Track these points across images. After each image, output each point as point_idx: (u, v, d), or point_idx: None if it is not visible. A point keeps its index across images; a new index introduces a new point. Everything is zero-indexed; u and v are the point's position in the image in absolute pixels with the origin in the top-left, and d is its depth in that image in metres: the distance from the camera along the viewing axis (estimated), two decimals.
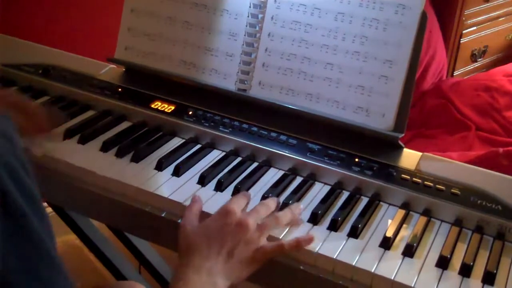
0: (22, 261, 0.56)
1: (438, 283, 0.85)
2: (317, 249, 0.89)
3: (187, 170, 1.06)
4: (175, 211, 0.98)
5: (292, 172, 1.07)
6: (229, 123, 1.14)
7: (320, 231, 0.93)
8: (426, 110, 1.90)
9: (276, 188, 1.01)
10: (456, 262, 0.88)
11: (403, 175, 1.01)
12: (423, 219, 0.96)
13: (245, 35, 1.18)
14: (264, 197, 0.98)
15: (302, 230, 0.92)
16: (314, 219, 0.95)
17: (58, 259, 0.60)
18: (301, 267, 0.89)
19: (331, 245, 0.90)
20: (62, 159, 1.07)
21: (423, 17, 1.05)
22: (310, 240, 0.89)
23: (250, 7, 1.18)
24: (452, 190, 0.98)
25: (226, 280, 0.83)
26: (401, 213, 0.98)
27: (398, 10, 1.06)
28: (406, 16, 1.06)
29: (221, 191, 1.01)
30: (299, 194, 1.00)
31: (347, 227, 0.94)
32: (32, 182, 0.58)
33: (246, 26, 1.18)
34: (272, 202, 0.95)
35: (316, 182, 1.05)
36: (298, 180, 1.05)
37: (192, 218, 0.91)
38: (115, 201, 1.02)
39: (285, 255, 0.89)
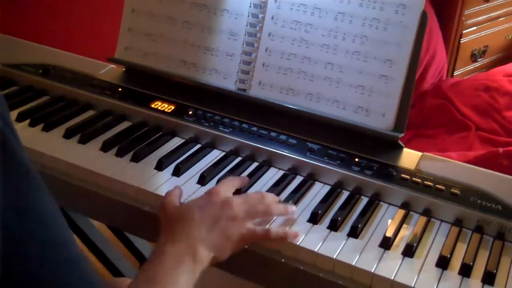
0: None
1: (438, 283, 0.85)
2: (317, 249, 0.89)
3: (187, 170, 1.06)
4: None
5: (292, 172, 1.07)
6: (229, 123, 1.14)
7: (320, 231, 0.93)
8: (426, 110, 1.90)
9: (276, 188, 1.01)
10: (456, 262, 0.88)
11: (403, 175, 1.01)
12: (423, 219, 0.96)
13: (245, 35, 1.18)
14: None
15: (302, 230, 0.92)
16: (314, 219, 0.95)
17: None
18: (301, 267, 0.89)
19: (331, 245, 0.90)
20: (62, 159, 1.07)
21: (423, 17, 1.05)
22: (295, 235, 0.90)
23: (250, 6, 1.18)
24: (452, 190, 0.98)
25: (208, 251, 0.81)
26: (401, 213, 0.98)
27: (398, 10, 1.06)
28: (406, 16, 1.06)
29: None
30: (299, 194, 1.00)
31: (347, 227, 0.94)
32: (20, 146, 0.56)
33: (247, 25, 1.18)
34: (270, 196, 0.94)
35: (316, 182, 1.05)
36: (298, 180, 1.05)
37: (172, 197, 0.91)
38: (115, 201, 1.02)
39: (270, 244, 0.89)
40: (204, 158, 1.10)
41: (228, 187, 0.93)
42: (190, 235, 0.82)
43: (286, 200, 0.98)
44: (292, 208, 0.95)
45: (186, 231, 0.82)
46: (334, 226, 0.94)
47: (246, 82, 1.19)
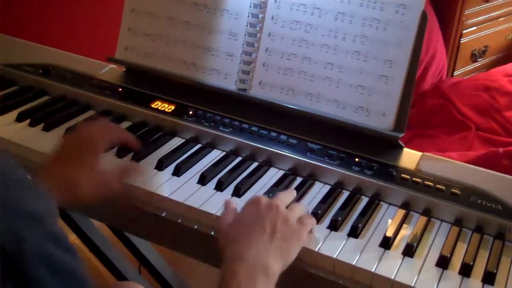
0: None
1: (438, 283, 0.85)
2: (317, 249, 0.89)
3: (187, 170, 1.06)
4: (175, 210, 0.98)
5: (292, 172, 1.07)
6: (229, 123, 1.14)
7: (320, 231, 0.93)
8: (426, 110, 1.90)
9: (277, 188, 1.01)
10: (456, 262, 0.88)
11: (403, 175, 1.01)
12: (423, 219, 0.96)
13: (245, 35, 1.18)
14: None
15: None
16: (314, 218, 0.95)
17: None
18: (301, 267, 0.89)
19: (331, 245, 0.90)
20: None
21: (423, 17, 1.05)
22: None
23: (250, 7, 1.18)
24: (452, 190, 0.98)
25: (277, 260, 0.81)
26: (401, 213, 0.98)
27: (398, 10, 1.06)
28: (406, 16, 1.06)
29: (221, 190, 1.01)
30: (299, 193, 1.00)
31: (347, 227, 0.94)
32: (72, 255, 0.56)
33: (247, 26, 1.18)
34: (290, 191, 0.97)
35: (316, 182, 1.05)
36: (298, 180, 1.05)
37: (225, 217, 0.90)
38: (115, 201, 1.02)
39: None
40: (204, 158, 1.10)
41: (263, 196, 0.92)
42: (256, 251, 0.80)
43: None
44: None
45: (250, 248, 0.81)
46: (334, 226, 0.94)
47: (246, 82, 1.19)
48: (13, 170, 0.56)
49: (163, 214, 0.98)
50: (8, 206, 0.52)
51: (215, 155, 1.11)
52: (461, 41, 2.23)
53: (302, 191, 1.01)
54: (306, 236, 0.88)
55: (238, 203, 0.98)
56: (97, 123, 1.04)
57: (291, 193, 0.96)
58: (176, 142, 1.15)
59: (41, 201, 0.56)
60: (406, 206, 0.99)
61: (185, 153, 1.11)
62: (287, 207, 0.91)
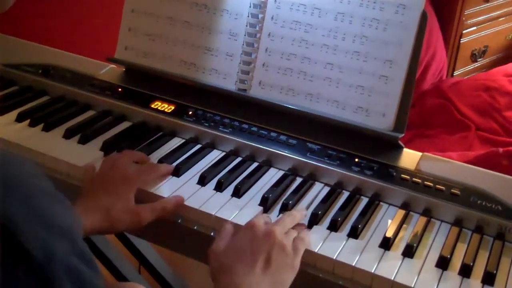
0: None
1: (438, 284, 0.85)
2: (317, 249, 0.89)
3: (187, 170, 1.06)
4: (175, 211, 0.98)
5: (292, 172, 1.07)
6: (229, 123, 1.14)
7: (320, 231, 0.93)
8: (426, 110, 1.90)
9: (276, 188, 1.01)
10: (456, 262, 0.88)
11: (403, 175, 1.01)
12: (423, 219, 0.96)
13: (245, 35, 1.18)
14: (264, 197, 0.98)
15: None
16: (314, 219, 0.95)
17: None
18: (301, 268, 0.89)
19: (331, 245, 0.90)
20: (62, 159, 1.07)
21: (423, 17, 1.05)
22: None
23: (250, 7, 1.18)
24: (452, 190, 0.98)
25: None
26: (401, 213, 0.98)
27: (398, 10, 1.06)
28: (406, 16, 1.06)
29: (221, 191, 1.01)
30: (299, 194, 1.00)
31: (347, 227, 0.94)
32: (95, 273, 0.56)
33: (246, 26, 1.18)
34: (298, 213, 0.94)
35: (316, 182, 1.05)
36: (298, 180, 1.05)
37: (219, 241, 0.87)
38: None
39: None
40: (204, 158, 1.10)
41: (261, 218, 0.90)
42: (250, 282, 0.79)
43: (286, 201, 0.98)
44: (305, 211, 0.96)
45: (244, 280, 0.79)
46: (334, 226, 0.94)
47: (246, 82, 1.19)
48: (39, 180, 0.56)
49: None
50: (37, 215, 0.52)
51: (215, 155, 1.11)
52: (461, 41, 2.23)
53: (302, 191, 1.01)
54: (299, 261, 0.85)
55: (238, 204, 0.98)
56: (134, 164, 1.02)
57: (294, 218, 0.92)
58: (176, 142, 1.15)
59: (70, 216, 0.56)
60: (406, 206, 0.99)
61: (185, 154, 1.10)
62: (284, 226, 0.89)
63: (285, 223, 0.89)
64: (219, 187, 1.01)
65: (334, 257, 0.88)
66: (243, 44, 1.18)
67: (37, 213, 0.52)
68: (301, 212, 0.95)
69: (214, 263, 0.83)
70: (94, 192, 0.95)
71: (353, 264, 0.87)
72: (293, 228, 0.91)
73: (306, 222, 0.95)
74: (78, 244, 0.55)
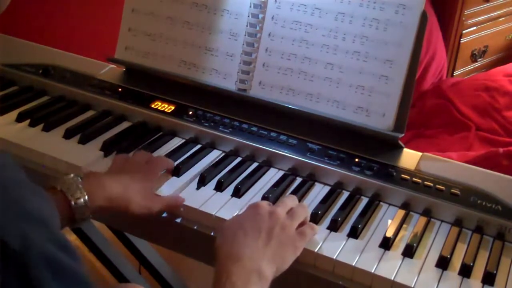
0: None
1: (438, 284, 0.85)
2: (317, 249, 0.89)
3: (187, 170, 1.06)
4: (175, 211, 0.98)
5: (292, 172, 1.07)
6: (229, 123, 1.14)
7: (320, 232, 0.93)
8: (426, 110, 1.90)
9: (276, 188, 1.01)
10: (456, 262, 0.88)
11: (403, 175, 1.01)
12: (423, 219, 0.96)
13: (245, 35, 1.18)
14: (264, 197, 0.98)
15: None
16: (314, 219, 0.95)
17: None
18: (301, 268, 0.89)
19: (331, 245, 0.90)
20: (62, 159, 1.07)
21: (423, 17, 1.05)
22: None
23: (250, 7, 1.18)
24: (452, 190, 0.98)
25: (271, 264, 0.81)
26: (401, 213, 0.98)
27: (398, 10, 1.06)
28: (406, 16, 1.06)
29: (221, 191, 1.01)
30: (299, 194, 1.00)
31: (347, 227, 0.94)
32: (76, 261, 0.56)
33: (247, 26, 1.18)
34: (293, 197, 0.96)
35: (316, 182, 1.05)
36: (298, 180, 1.05)
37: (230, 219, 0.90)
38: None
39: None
40: (204, 158, 1.10)
41: (265, 202, 0.92)
42: (250, 252, 0.81)
43: None
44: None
45: (245, 250, 0.81)
46: (334, 226, 0.94)
47: (246, 82, 1.19)
48: (14, 172, 0.56)
49: (163, 214, 0.98)
50: (13, 205, 0.53)
51: (215, 155, 1.11)
52: (461, 41, 2.23)
53: (302, 191, 1.01)
54: (303, 246, 0.87)
55: (238, 204, 0.98)
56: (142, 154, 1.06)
57: (293, 199, 0.95)
58: (176, 142, 1.15)
59: (44, 205, 0.57)
60: (406, 206, 0.99)
61: (185, 154, 1.10)
62: (289, 211, 0.90)
63: (286, 204, 0.91)
64: (219, 187, 1.01)
65: (334, 257, 0.88)
66: (243, 44, 1.18)
67: (12, 203, 0.53)
68: (292, 197, 0.96)
69: (219, 236, 0.86)
70: (118, 170, 0.99)
71: (353, 264, 0.87)
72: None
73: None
74: (55, 233, 0.55)
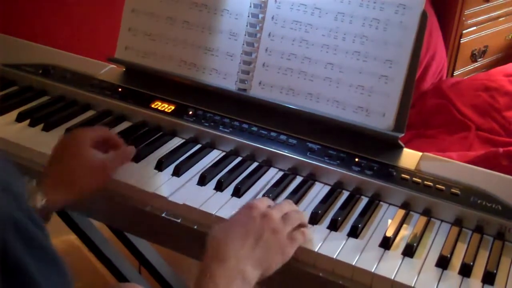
0: None
1: (438, 283, 0.85)
2: (317, 249, 0.89)
3: (187, 170, 1.06)
4: (175, 211, 0.98)
5: (292, 172, 1.07)
6: (229, 123, 1.14)
7: (320, 231, 0.93)
8: (426, 110, 1.90)
9: (276, 188, 1.01)
10: (456, 262, 0.88)
11: (403, 175, 1.01)
12: (423, 219, 0.96)
13: (245, 35, 1.18)
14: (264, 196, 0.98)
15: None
16: (314, 219, 0.95)
17: None
18: (301, 267, 0.89)
19: (331, 245, 0.90)
20: None
21: (423, 17, 1.05)
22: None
23: (250, 7, 1.18)
24: (452, 190, 0.98)
25: (255, 269, 0.81)
26: (401, 213, 0.98)
27: (398, 10, 1.06)
28: (406, 16, 1.06)
29: (221, 191, 1.01)
30: (299, 194, 1.00)
31: (347, 227, 0.94)
32: (43, 233, 0.57)
33: (247, 26, 1.18)
34: (291, 202, 0.95)
35: (316, 182, 1.05)
36: (298, 180, 1.05)
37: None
38: (115, 201, 1.02)
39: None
40: (204, 158, 1.10)
41: (263, 201, 0.92)
42: (237, 255, 0.81)
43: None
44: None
45: (232, 251, 0.81)
46: (334, 226, 0.94)
47: (246, 82, 1.19)
48: None
49: (163, 214, 0.98)
50: None
51: (215, 155, 1.11)
52: (461, 41, 2.23)
53: (302, 191, 1.01)
54: (292, 252, 0.87)
55: (238, 204, 0.98)
56: (79, 129, 1.10)
57: (289, 203, 0.94)
58: (176, 142, 1.15)
59: (13, 177, 0.58)
60: (406, 206, 0.99)
61: (185, 153, 1.10)
62: (284, 215, 0.89)
63: (282, 207, 0.91)
64: (219, 187, 1.01)
65: (334, 257, 0.88)
66: (243, 44, 1.18)
67: None
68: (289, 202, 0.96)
69: (210, 237, 0.86)
70: (53, 166, 0.98)
71: (353, 264, 0.87)
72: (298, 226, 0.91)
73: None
74: (25, 204, 0.56)
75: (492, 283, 0.85)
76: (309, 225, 0.94)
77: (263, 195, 0.99)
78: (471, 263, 0.87)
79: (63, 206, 0.97)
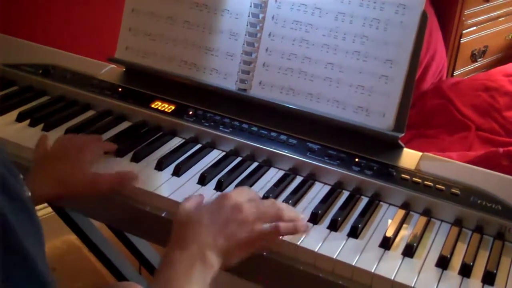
0: None
1: (438, 283, 0.85)
2: (317, 249, 0.89)
3: (187, 170, 1.06)
4: (175, 211, 0.98)
5: (292, 172, 1.07)
6: (229, 123, 1.14)
7: (320, 231, 0.93)
8: (426, 110, 1.90)
9: (276, 188, 1.01)
10: (456, 262, 0.88)
11: (403, 175, 1.01)
12: (423, 219, 0.96)
13: (245, 35, 1.18)
14: (264, 197, 0.98)
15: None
16: (314, 219, 0.95)
17: (40, 270, 0.57)
18: (301, 267, 0.89)
19: (331, 245, 0.90)
20: None
21: (423, 17, 1.05)
22: (307, 227, 0.90)
23: (251, 6, 1.18)
24: (452, 190, 0.98)
25: (217, 256, 0.81)
26: (401, 213, 0.98)
27: (398, 10, 1.06)
28: (406, 16, 1.06)
29: (221, 190, 1.01)
30: (299, 194, 1.00)
31: (347, 227, 0.94)
32: (22, 189, 0.58)
33: (247, 25, 1.18)
34: (283, 204, 0.92)
35: (316, 182, 1.05)
36: (298, 180, 1.05)
37: (190, 201, 0.90)
38: (115, 201, 1.02)
39: (278, 245, 0.89)
40: (204, 158, 1.10)
41: (241, 193, 0.90)
42: (199, 240, 0.81)
43: (286, 200, 0.98)
44: (302, 215, 0.92)
45: (195, 236, 0.82)
46: (334, 226, 0.94)
47: (246, 82, 1.19)
48: None
49: (163, 214, 0.98)
50: None
51: (215, 155, 1.11)
52: (461, 41, 2.23)
53: (302, 191, 1.01)
54: (258, 246, 0.86)
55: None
56: (80, 135, 1.11)
57: (273, 201, 0.91)
58: (176, 142, 1.15)
59: None
60: (406, 206, 0.99)
61: (185, 153, 1.11)
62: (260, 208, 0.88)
63: (260, 202, 0.89)
64: (219, 187, 1.01)
65: (334, 257, 0.88)
66: (243, 44, 1.19)
67: None
68: (287, 205, 0.93)
69: (176, 219, 0.86)
70: (49, 161, 1.00)
71: (353, 264, 0.87)
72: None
73: (306, 222, 0.94)
74: (6, 159, 0.57)
75: (492, 283, 0.85)
76: (310, 224, 0.93)
77: (263, 195, 0.99)
78: (471, 263, 0.87)
79: (45, 201, 1.00)
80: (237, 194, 0.89)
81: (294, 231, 0.88)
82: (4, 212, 0.54)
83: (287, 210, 0.90)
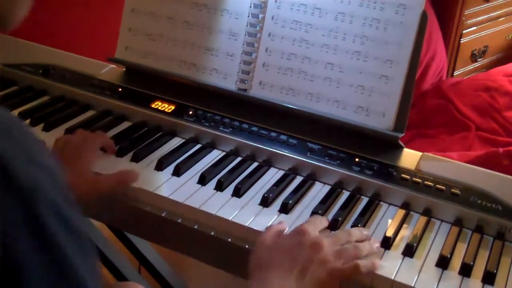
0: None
1: (438, 283, 0.85)
2: None
3: (187, 170, 1.06)
4: (175, 211, 0.98)
5: (292, 172, 1.07)
6: (229, 123, 1.14)
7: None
8: (426, 110, 1.90)
9: (277, 188, 1.01)
10: (456, 262, 0.88)
11: (403, 175, 1.01)
12: (423, 219, 0.96)
13: (245, 35, 1.18)
14: (264, 197, 0.98)
15: None
16: None
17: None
18: None
19: None
20: None
21: (423, 17, 1.05)
22: (378, 265, 0.86)
23: (250, 7, 1.18)
24: (452, 190, 0.98)
25: None
26: (401, 213, 0.98)
27: (398, 10, 1.06)
28: (406, 16, 1.06)
29: (221, 191, 1.01)
30: (299, 193, 1.00)
31: (347, 227, 0.94)
32: (78, 216, 0.56)
33: (247, 25, 1.18)
34: (357, 231, 0.90)
35: (316, 182, 1.05)
36: (298, 179, 1.05)
37: (270, 235, 0.87)
38: (115, 201, 1.02)
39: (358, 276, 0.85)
40: (204, 158, 1.10)
41: (315, 226, 0.89)
42: (280, 283, 0.79)
43: (286, 200, 0.98)
44: (377, 243, 0.90)
45: (276, 279, 0.80)
46: (334, 226, 0.94)
47: (246, 82, 1.19)
48: (29, 129, 0.58)
49: (163, 214, 0.98)
50: (30, 153, 0.53)
51: (215, 155, 1.11)
52: (461, 41, 2.23)
53: (302, 191, 1.01)
54: (341, 268, 0.83)
55: (239, 203, 0.98)
56: (78, 134, 1.09)
57: (349, 233, 0.89)
58: (176, 142, 1.15)
59: (49, 158, 0.58)
60: (406, 206, 0.99)
61: (185, 153, 1.10)
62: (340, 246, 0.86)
63: (338, 238, 0.87)
64: (220, 187, 1.01)
65: None
66: (243, 44, 1.18)
67: (27, 152, 0.53)
68: (360, 230, 0.91)
69: (257, 255, 0.84)
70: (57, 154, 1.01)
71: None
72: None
73: None
74: (64, 187, 0.55)
75: (492, 283, 0.85)
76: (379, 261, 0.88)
77: (263, 195, 0.98)
78: (471, 263, 0.87)
79: None
80: (314, 228, 0.88)
81: (373, 269, 0.85)
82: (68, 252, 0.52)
83: (363, 245, 0.88)
